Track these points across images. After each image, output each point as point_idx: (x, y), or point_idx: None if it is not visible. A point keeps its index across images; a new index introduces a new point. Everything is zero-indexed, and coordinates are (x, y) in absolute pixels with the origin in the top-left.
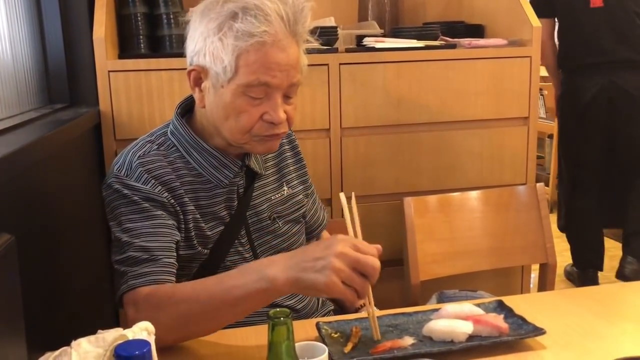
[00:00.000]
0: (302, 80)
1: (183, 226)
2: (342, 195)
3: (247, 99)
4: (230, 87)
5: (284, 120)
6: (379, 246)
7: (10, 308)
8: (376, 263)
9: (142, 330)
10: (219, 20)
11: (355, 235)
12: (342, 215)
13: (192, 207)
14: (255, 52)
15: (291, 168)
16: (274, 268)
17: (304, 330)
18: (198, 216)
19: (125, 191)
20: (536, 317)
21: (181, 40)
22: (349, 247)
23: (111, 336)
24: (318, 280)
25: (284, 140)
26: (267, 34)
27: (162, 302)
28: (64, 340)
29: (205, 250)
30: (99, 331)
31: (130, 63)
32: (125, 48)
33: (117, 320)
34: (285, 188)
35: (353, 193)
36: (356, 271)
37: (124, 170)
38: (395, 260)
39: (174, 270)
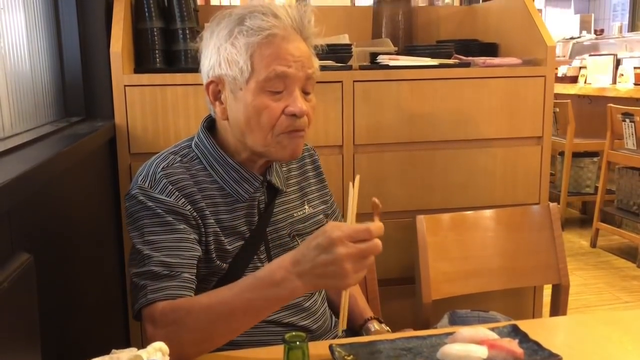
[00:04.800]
0: (318, 75)
1: (204, 239)
2: (350, 185)
3: (267, 94)
4: (250, 87)
5: (305, 112)
6: (368, 225)
7: (27, 326)
8: (378, 246)
9: (157, 351)
10: (228, 27)
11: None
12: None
13: (213, 221)
14: (267, 45)
15: (313, 187)
16: (290, 280)
17: (316, 351)
18: (218, 230)
19: (150, 203)
20: (551, 342)
21: (197, 55)
22: (349, 244)
23: (126, 356)
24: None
25: (307, 160)
26: (276, 27)
27: (180, 316)
28: (78, 356)
29: (224, 265)
30: (113, 350)
31: (145, 78)
32: (141, 62)
33: (128, 335)
34: (306, 207)
35: (358, 176)
36: (364, 258)
37: (148, 181)
38: (407, 279)
39: (193, 286)
